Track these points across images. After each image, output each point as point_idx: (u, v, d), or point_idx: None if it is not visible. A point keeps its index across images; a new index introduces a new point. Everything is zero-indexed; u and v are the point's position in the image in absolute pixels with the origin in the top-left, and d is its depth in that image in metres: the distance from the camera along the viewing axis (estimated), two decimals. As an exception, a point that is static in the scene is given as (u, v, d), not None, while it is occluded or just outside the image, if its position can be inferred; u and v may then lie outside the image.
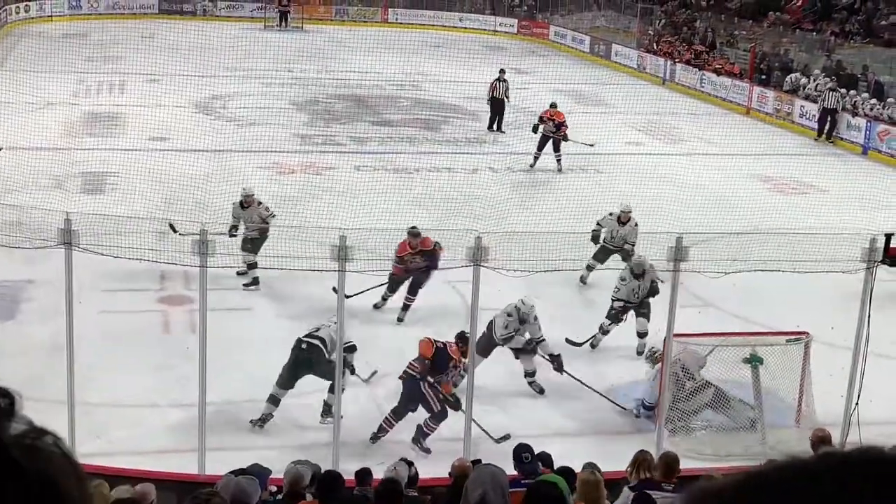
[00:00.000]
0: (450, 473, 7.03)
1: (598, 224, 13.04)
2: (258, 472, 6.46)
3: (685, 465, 8.03)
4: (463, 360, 9.06)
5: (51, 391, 8.76)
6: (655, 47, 34.06)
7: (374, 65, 28.65)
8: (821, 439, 7.51)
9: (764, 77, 28.32)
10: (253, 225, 12.69)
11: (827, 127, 24.25)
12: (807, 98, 25.75)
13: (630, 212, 13.04)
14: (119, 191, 16.34)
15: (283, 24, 40.56)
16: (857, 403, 8.72)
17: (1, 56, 29.38)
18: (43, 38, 32.67)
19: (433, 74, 29.37)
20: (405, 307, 12.05)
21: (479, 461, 7.03)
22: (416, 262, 11.72)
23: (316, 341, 9.46)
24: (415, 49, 30.52)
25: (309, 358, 9.42)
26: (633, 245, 12.54)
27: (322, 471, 6.97)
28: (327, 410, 9.33)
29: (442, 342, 9.30)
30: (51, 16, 39.06)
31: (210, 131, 21.30)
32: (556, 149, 19.70)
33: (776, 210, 16.95)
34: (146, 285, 12.61)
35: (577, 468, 6.80)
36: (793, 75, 27.05)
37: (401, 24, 42.34)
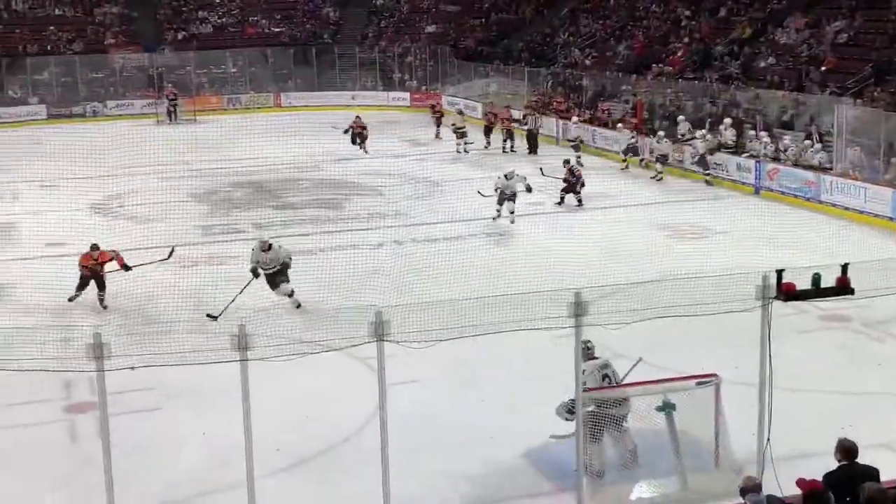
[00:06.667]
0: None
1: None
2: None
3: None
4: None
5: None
6: (545, 108, 34.73)
7: (272, 149, 28.66)
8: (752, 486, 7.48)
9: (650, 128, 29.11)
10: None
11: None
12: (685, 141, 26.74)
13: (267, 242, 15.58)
14: (16, 301, 15.91)
15: (174, 117, 40.38)
16: (768, 440, 8.83)
17: None
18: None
19: (332, 154, 29.47)
20: None
21: None
22: None
23: None
24: (311, 131, 30.65)
25: None
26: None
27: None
28: None
29: None
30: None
31: (108, 232, 20.93)
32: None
33: (676, 256, 17.26)
34: (49, 396, 12.25)
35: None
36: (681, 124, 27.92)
37: (294, 107, 42.58)
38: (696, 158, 25.63)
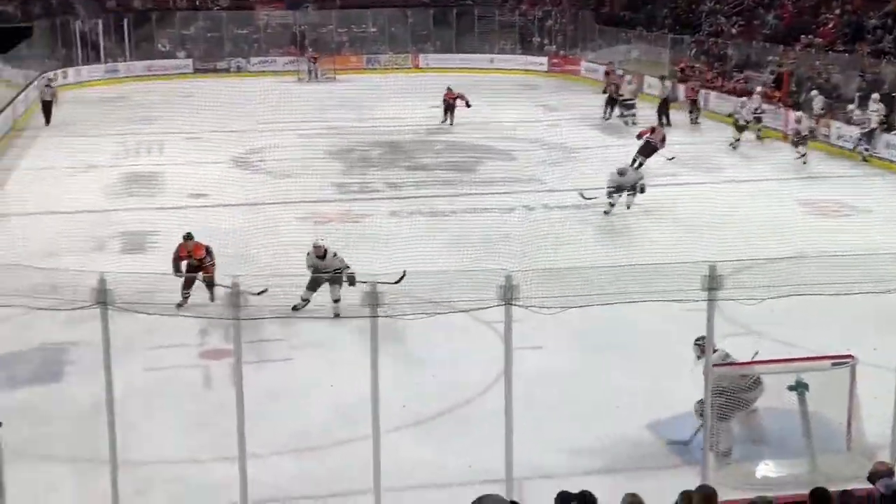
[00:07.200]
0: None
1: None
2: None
3: (735, 496, 7.94)
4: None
5: (96, 451, 8.85)
6: (687, 76, 33.96)
7: (408, 110, 28.86)
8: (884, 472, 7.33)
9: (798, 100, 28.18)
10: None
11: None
12: (849, 122, 25.58)
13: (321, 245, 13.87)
14: (160, 249, 16.46)
15: (315, 76, 40.97)
16: (904, 425, 8.55)
17: (41, 122, 29.97)
18: (82, 103, 33.38)
19: (466, 116, 29.48)
20: None
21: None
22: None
23: None
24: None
25: None
26: (343, 269, 13.69)
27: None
28: None
29: None
30: (88, 81, 39.90)
31: (248, 185, 21.52)
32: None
33: (818, 233, 16.75)
34: (187, 341, 12.71)
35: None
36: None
37: (432, 68, 42.71)
38: (866, 131, 24.43)
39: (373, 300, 7.95)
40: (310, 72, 41.11)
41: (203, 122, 25.16)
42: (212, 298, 13.97)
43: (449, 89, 29.94)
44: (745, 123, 26.47)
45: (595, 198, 18.86)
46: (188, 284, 14.01)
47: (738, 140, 26.24)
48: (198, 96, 29.11)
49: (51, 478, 9.56)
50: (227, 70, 42.82)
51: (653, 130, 23.52)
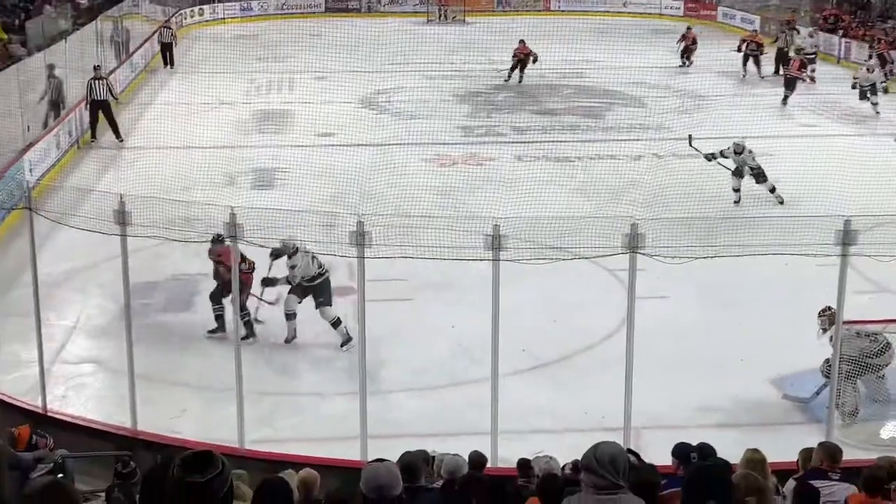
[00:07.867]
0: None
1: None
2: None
3: (860, 455, 7.75)
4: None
5: (222, 381, 9.15)
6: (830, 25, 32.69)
7: (537, 54, 28.52)
8: None
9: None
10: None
11: None
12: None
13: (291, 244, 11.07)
14: (288, 186, 16.78)
15: (444, 17, 40.82)
16: None
17: (178, 59, 30.64)
18: (216, 40, 34.01)
19: (597, 61, 28.97)
20: None
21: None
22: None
23: None
24: (578, 36, 30.19)
25: None
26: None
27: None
28: None
29: None
30: (223, 18, 40.62)
31: (374, 126, 21.69)
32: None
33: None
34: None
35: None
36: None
37: (563, 11, 42.05)
38: None
39: (496, 243, 7.95)
40: (440, 13, 41.02)
41: (332, 61, 25.37)
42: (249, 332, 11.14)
43: (522, 43, 28.35)
44: (869, 86, 23.58)
45: (699, 151, 17.06)
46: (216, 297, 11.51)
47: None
48: (327, 35, 29.33)
49: (180, 403, 9.93)
50: (357, 10, 42.98)
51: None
